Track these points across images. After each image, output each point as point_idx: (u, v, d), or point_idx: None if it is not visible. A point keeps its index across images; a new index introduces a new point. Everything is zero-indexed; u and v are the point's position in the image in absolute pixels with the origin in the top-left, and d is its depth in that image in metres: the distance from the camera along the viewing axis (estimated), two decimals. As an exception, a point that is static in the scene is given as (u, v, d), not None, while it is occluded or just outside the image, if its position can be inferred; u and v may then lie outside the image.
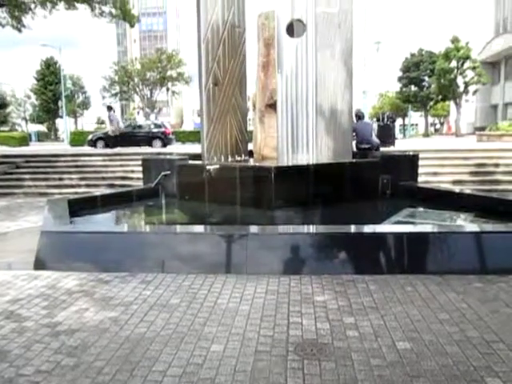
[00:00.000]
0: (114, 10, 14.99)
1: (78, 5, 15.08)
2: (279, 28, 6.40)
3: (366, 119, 11.87)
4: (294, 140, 6.51)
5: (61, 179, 11.24)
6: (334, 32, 6.64)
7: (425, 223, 5.00)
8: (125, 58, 72.97)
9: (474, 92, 40.56)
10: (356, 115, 8.28)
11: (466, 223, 5.01)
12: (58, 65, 50.45)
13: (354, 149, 8.33)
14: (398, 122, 51.46)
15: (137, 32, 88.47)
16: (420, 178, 7.84)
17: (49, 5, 14.94)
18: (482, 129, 30.30)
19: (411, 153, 7.81)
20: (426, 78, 44.66)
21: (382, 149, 9.46)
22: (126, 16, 15.22)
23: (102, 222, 5.84)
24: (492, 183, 9.54)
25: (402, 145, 16.17)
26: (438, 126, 70.04)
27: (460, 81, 38.50)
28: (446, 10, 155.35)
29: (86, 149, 20.04)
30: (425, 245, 3.96)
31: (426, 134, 47.79)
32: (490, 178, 9.82)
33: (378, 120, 15.80)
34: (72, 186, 10.66)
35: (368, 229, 4.26)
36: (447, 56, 37.77)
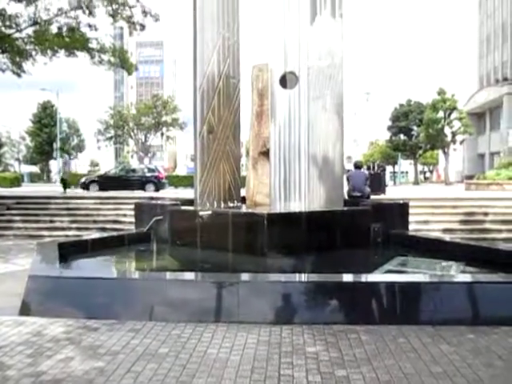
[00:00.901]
0: (112, 59, 15.48)
1: (78, 53, 15.57)
2: (273, 79, 6.64)
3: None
4: (287, 187, 6.59)
5: (52, 222, 11.16)
6: (325, 84, 6.88)
7: (416, 272, 5.01)
8: (121, 103, 74.43)
9: (462, 142, 41.74)
10: (354, 164, 8.54)
11: (457, 273, 5.02)
12: (54, 108, 51.26)
13: (346, 196, 8.46)
14: (389, 169, 52.35)
15: (134, 78, 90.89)
16: (411, 226, 7.91)
17: (49, 52, 15.39)
18: (470, 177, 30.91)
19: (402, 201, 7.93)
20: (415, 128, 45.98)
21: (372, 197, 9.60)
22: (124, 64, 15.71)
23: (92, 266, 5.77)
24: (482, 232, 9.63)
25: (392, 193, 16.40)
26: (427, 174, 71.25)
27: (447, 131, 39.69)
28: (433, 63, 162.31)
29: (79, 191, 20.04)
30: (417, 295, 3.95)
31: (416, 182, 48.54)
32: (479, 226, 9.92)
33: (368, 169, 16.12)
34: (63, 229, 10.58)
35: (359, 278, 4.25)
36: (434, 107, 39.13)
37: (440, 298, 3.88)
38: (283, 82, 6.62)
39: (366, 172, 10.67)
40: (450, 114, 39.09)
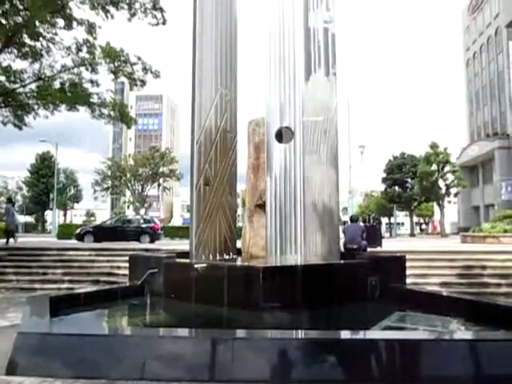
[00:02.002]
0: (112, 113, 15.90)
1: (79, 106, 16.00)
2: (268, 134, 6.79)
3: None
4: (283, 240, 6.56)
5: (45, 274, 10.95)
6: (320, 138, 7.03)
7: (416, 329, 4.89)
8: (119, 155, 75.52)
9: (456, 194, 42.21)
10: (350, 218, 8.61)
11: (457, 329, 4.91)
12: (53, 159, 51.89)
13: (342, 249, 8.41)
14: (384, 221, 52.46)
15: (133, 131, 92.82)
16: (408, 280, 7.80)
17: (51, 106, 15.82)
18: (466, 229, 30.94)
19: (398, 254, 7.88)
20: (409, 180, 46.60)
21: (369, 249, 9.55)
22: (124, 118, 16.12)
23: (83, 322, 5.60)
24: (480, 286, 9.52)
25: (388, 245, 16.33)
26: (423, 226, 71.35)
27: (441, 183, 40.23)
28: (425, 117, 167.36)
29: (74, 242, 19.84)
30: (416, 352, 3.83)
31: (412, 234, 48.55)
32: (477, 280, 9.81)
33: (364, 221, 16.21)
34: (55, 282, 10.37)
35: (357, 334, 4.14)
36: (428, 160, 39.88)
37: (440, 355, 3.77)
38: (279, 136, 6.78)
39: (362, 225, 10.69)
40: (443, 167, 39.79)
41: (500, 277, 9.91)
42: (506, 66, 40.59)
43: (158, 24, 14.41)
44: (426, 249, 13.30)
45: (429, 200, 44.85)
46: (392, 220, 58.02)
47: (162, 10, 14.34)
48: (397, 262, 7.40)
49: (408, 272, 7.69)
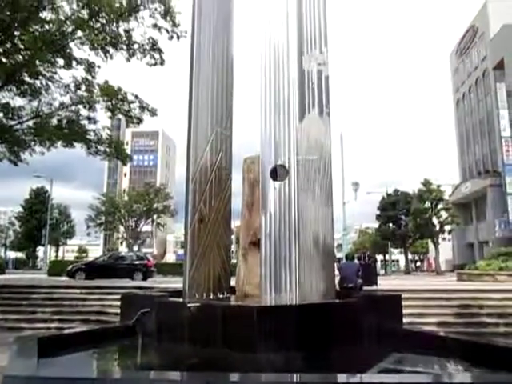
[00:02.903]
0: (108, 150, 16.01)
1: (75, 143, 16.12)
2: (263, 172, 6.84)
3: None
4: (277, 279, 6.48)
5: (33, 313, 10.70)
6: (314, 176, 7.09)
7: (414, 372, 4.77)
8: (114, 190, 75.51)
9: (450, 231, 42.25)
10: (345, 256, 8.56)
11: (457, 372, 4.79)
12: (47, 194, 51.73)
13: (337, 287, 8.31)
14: (379, 258, 52.16)
15: (128, 167, 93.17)
16: (405, 320, 7.67)
17: (48, 143, 15.92)
18: (461, 267, 30.82)
19: (395, 293, 7.78)
20: (403, 217, 46.71)
21: (365, 288, 9.45)
22: (119, 155, 16.22)
23: (73, 364, 5.40)
24: (478, 326, 9.38)
25: (384, 283, 16.17)
26: (418, 264, 70.99)
27: (435, 220, 40.35)
28: (419, 155, 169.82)
29: (65, 280, 19.49)
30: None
31: (408, 271, 48.20)
32: (475, 320, 9.68)
33: (359, 259, 16.14)
34: (44, 321, 10.12)
35: (354, 378, 4.01)
36: (421, 197, 40.17)
37: (441, 400, 3.65)
38: (273, 174, 6.83)
39: (358, 263, 10.62)
40: (436, 205, 40.03)
41: (498, 316, 9.80)
42: (494, 106, 41.66)
43: (156, 64, 14.77)
44: (422, 287, 13.18)
45: (423, 237, 44.85)
46: (387, 257, 57.75)
47: (160, 50, 14.74)
48: (393, 302, 7.30)
49: (405, 311, 7.56)
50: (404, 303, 7.53)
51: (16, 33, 14.21)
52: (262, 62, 7.59)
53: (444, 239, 43.48)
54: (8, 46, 14.44)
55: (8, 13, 13.29)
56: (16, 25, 13.73)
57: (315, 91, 7.28)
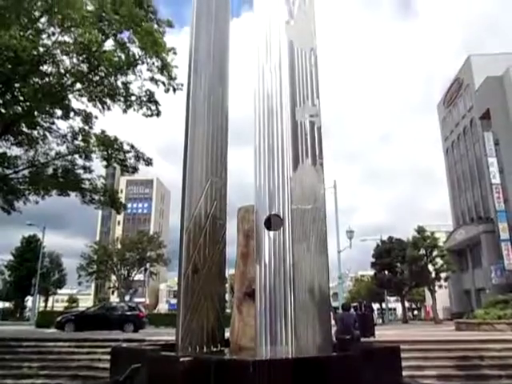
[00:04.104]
0: (103, 198, 16.04)
1: (70, 192, 16.14)
2: (258, 221, 6.85)
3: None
4: (273, 331, 6.33)
5: (19, 368, 10.27)
6: (309, 226, 7.10)
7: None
8: (107, 238, 74.78)
9: (446, 279, 41.87)
10: (342, 307, 8.41)
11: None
12: (39, 243, 51.05)
13: (334, 339, 8.10)
14: (376, 306, 51.23)
15: (122, 214, 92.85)
16: (404, 372, 7.44)
17: (42, 191, 15.93)
18: (460, 315, 30.31)
19: (393, 344, 7.60)
20: (399, 265, 46.34)
21: (362, 339, 9.22)
22: (114, 204, 16.23)
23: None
24: (480, 379, 9.12)
25: (382, 333, 15.80)
26: (416, 312, 69.73)
27: (431, 268, 40.07)
28: (412, 201, 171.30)
29: (53, 332, 18.87)
30: None
31: (405, 320, 47.21)
32: (476, 372, 9.42)
33: (356, 309, 15.80)
34: (30, 377, 9.70)
35: None
36: (415, 245, 40.09)
37: None
38: (268, 223, 6.84)
39: (354, 313, 10.42)
40: (431, 252, 39.91)
41: (499, 368, 9.54)
42: (483, 153, 42.61)
43: (152, 115, 15.13)
44: (420, 338, 12.89)
45: (419, 285, 44.33)
46: (384, 306, 56.75)
47: (156, 102, 15.16)
48: (392, 354, 7.10)
49: (404, 364, 7.35)
50: (403, 355, 7.32)
51: (16, 85, 14.58)
52: (255, 113, 7.81)
53: (440, 286, 42.96)
54: (8, 97, 14.76)
55: (10, 66, 13.69)
56: (17, 77, 14.12)
57: (308, 142, 7.44)
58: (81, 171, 16.01)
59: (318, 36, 8.28)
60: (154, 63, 14.46)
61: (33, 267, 50.23)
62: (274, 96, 7.84)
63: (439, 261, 40.05)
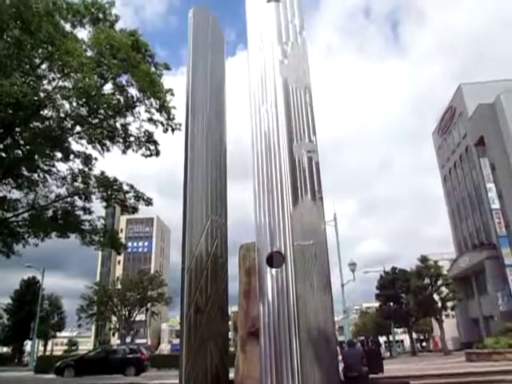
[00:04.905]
0: (103, 239, 15.97)
1: (69, 233, 16.08)
2: (260, 259, 6.82)
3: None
4: (278, 371, 6.19)
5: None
6: (311, 262, 7.06)
7: None
8: (107, 279, 73.88)
9: (453, 308, 41.13)
10: (347, 343, 8.23)
11: None
12: (38, 285, 50.35)
13: (342, 376, 7.89)
14: (382, 339, 50.12)
15: (122, 254, 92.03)
16: (416, 411, 7.22)
17: (42, 234, 15.87)
18: (469, 344, 29.60)
19: (402, 380, 7.41)
20: (403, 295, 45.59)
21: (370, 376, 8.97)
22: (114, 245, 16.14)
23: None
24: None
25: (390, 368, 15.36)
26: (424, 343, 68.12)
27: (436, 297, 39.44)
28: (414, 230, 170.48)
29: (52, 378, 18.37)
30: None
31: (413, 352, 46.05)
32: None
33: (362, 344, 15.46)
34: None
35: None
36: (419, 274, 39.59)
37: None
38: (270, 261, 6.81)
39: (361, 349, 10.18)
40: (435, 281, 39.38)
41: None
42: (480, 180, 42.78)
43: (151, 155, 15.30)
44: (431, 371, 12.53)
45: (426, 315, 43.47)
46: (391, 338, 55.48)
47: (155, 142, 15.36)
48: (402, 391, 6.93)
49: (415, 401, 7.15)
50: (414, 392, 7.13)
51: (17, 129, 14.79)
52: (253, 150, 7.91)
53: (447, 316, 42.13)
54: (8, 141, 14.94)
55: (11, 111, 13.94)
56: (18, 122, 14.34)
57: (307, 177, 7.50)
58: (80, 212, 16.03)
59: (313, 72, 8.49)
60: (152, 104, 14.76)
61: (32, 310, 49.30)
62: (271, 133, 7.97)
63: (444, 289, 39.45)
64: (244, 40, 7.78)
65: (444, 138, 54.48)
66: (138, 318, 54.27)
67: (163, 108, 14.68)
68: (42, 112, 14.87)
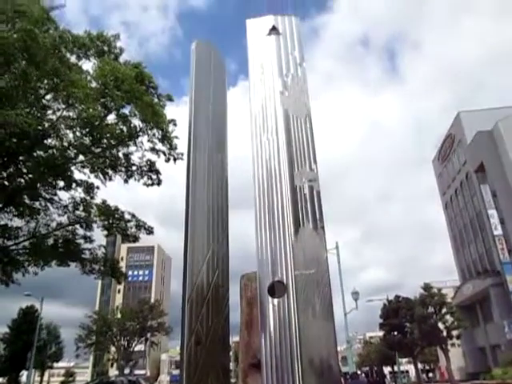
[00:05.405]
0: (103, 268, 15.89)
1: (70, 262, 16.01)
2: (261, 288, 6.78)
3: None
4: (281, 405, 6.06)
5: None
6: (313, 291, 7.02)
7: None
8: (107, 308, 72.90)
9: (458, 337, 40.37)
10: (350, 376, 8.08)
11: None
12: (36, 314, 49.66)
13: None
14: (387, 370, 48.96)
15: (122, 283, 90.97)
16: None
17: (42, 262, 15.80)
18: (476, 375, 28.91)
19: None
20: (408, 324, 44.81)
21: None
22: (114, 274, 16.04)
23: None
24: None
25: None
26: (430, 374, 66.50)
27: (441, 326, 38.77)
28: (417, 258, 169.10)
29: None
30: None
31: (419, 383, 44.92)
32: None
33: (366, 376, 15.13)
34: None
35: None
36: (423, 303, 39.04)
37: None
38: (271, 290, 6.76)
39: (365, 380, 9.97)
40: (440, 309, 38.79)
41: None
42: (482, 206, 42.75)
43: (152, 184, 15.41)
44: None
45: (431, 344, 42.62)
46: (395, 368, 54.24)
47: (157, 171, 15.49)
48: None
49: None
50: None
51: (20, 158, 14.93)
52: (254, 180, 7.97)
53: (453, 345, 41.25)
54: (12, 169, 15.06)
55: (15, 140, 14.11)
56: (21, 151, 14.50)
57: (308, 206, 7.53)
58: (81, 241, 16.00)
59: (314, 101, 8.64)
60: (154, 134, 14.97)
61: (29, 340, 48.42)
62: (272, 162, 8.05)
63: (449, 318, 38.82)
64: (245, 70, 7.97)
65: (444, 165, 54.76)
66: (137, 348, 53.26)
67: (166, 138, 14.88)
68: (45, 141, 15.05)
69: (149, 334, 50.70)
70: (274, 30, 10.20)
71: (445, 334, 38.68)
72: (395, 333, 46.19)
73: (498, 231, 39.94)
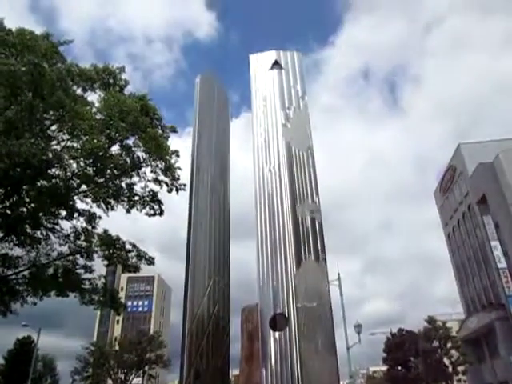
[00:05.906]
0: (103, 298, 15.69)
1: (69, 292, 15.83)
2: (262, 321, 6.71)
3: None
4: None
5: None
6: (315, 324, 6.94)
7: None
8: (105, 338, 71.50)
9: (464, 372, 39.33)
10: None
11: None
12: (33, 345, 48.64)
13: None
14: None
15: (121, 313, 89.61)
16: None
17: (41, 292, 15.62)
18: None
19: None
20: (412, 359, 43.71)
21: None
22: (114, 304, 15.83)
23: None
24: None
25: None
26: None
27: (446, 361, 37.84)
28: (420, 289, 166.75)
29: None
30: None
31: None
32: None
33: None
34: None
35: None
36: (427, 336, 38.25)
37: None
38: (273, 323, 6.69)
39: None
40: (445, 343, 37.96)
41: None
42: (485, 238, 42.42)
43: (155, 214, 15.43)
44: None
45: (437, 380, 41.44)
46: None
47: (159, 202, 15.53)
48: None
49: None
50: None
51: (24, 187, 15.00)
52: (257, 211, 8.01)
53: (459, 381, 40.14)
54: (14, 199, 15.10)
55: (19, 170, 14.21)
56: (25, 180, 14.58)
57: (310, 237, 7.53)
58: (81, 271, 15.88)
59: (315, 133, 8.78)
60: (157, 165, 15.09)
61: (25, 371, 47.24)
62: (274, 194, 8.12)
63: (454, 352, 37.92)
64: (248, 102, 8.17)
65: (446, 197, 54.72)
66: (134, 382, 51.87)
67: (168, 169, 14.98)
68: (49, 171, 15.15)
69: (147, 367, 49.48)
70: (276, 64, 10.50)
71: (450, 369, 37.70)
72: (399, 367, 45.00)
73: (502, 264, 39.47)
